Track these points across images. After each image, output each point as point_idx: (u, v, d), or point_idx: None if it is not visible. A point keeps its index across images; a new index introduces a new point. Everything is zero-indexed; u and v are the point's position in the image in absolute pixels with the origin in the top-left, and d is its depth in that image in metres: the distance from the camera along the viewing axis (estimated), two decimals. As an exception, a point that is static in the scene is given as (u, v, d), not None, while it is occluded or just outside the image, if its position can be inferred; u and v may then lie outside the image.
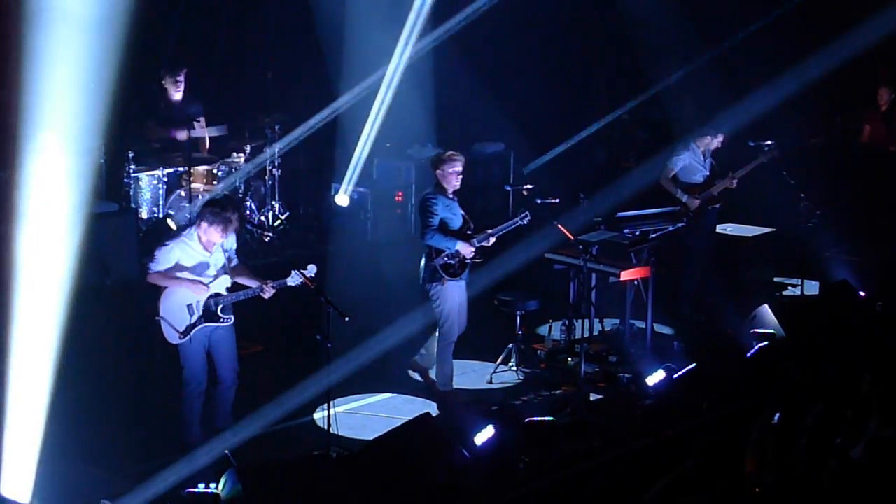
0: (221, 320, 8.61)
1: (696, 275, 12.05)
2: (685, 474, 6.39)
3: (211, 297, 8.56)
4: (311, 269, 8.64)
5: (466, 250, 9.68)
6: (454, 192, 9.82)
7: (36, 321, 8.21)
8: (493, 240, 9.85)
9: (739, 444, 6.83)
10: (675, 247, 11.68)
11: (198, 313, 8.56)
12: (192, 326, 8.54)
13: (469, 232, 9.80)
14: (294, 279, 8.59)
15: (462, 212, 9.84)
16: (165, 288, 8.57)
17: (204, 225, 8.51)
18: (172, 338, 8.58)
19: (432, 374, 10.13)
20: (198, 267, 8.56)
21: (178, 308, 8.54)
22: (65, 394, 9.27)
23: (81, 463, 8.14)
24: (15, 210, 11.21)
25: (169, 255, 8.52)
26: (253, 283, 8.65)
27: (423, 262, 9.77)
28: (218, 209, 8.55)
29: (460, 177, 9.79)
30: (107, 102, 12.53)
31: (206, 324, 8.57)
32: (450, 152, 9.87)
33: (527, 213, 9.98)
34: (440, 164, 9.76)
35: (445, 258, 9.67)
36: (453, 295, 9.76)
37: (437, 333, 9.94)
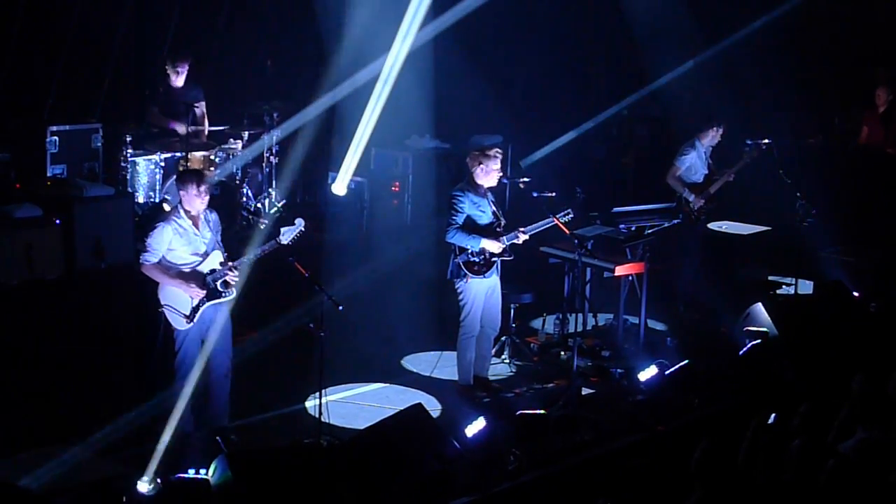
0: (223, 294, 8.54)
1: (691, 272, 12.07)
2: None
3: (208, 273, 8.52)
4: (300, 223, 8.58)
5: (493, 248, 9.50)
6: (487, 189, 9.60)
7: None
8: (524, 237, 9.58)
9: (731, 441, 6.83)
10: (671, 243, 11.68)
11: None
12: (196, 309, 8.45)
13: (498, 230, 9.58)
14: (285, 237, 8.50)
15: (493, 209, 9.60)
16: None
17: (182, 194, 8.48)
18: (180, 325, 8.48)
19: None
20: (189, 245, 8.49)
21: (179, 293, 8.46)
22: (57, 376, 9.30)
23: (72, 445, 8.13)
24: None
25: (161, 239, 8.42)
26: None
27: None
28: (184, 170, 8.52)
29: (499, 174, 9.57)
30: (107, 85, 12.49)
31: (210, 302, 8.50)
32: (495, 148, 9.61)
33: (569, 211, 9.79)
34: (482, 159, 9.46)
35: (469, 255, 9.50)
36: (477, 292, 9.61)
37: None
